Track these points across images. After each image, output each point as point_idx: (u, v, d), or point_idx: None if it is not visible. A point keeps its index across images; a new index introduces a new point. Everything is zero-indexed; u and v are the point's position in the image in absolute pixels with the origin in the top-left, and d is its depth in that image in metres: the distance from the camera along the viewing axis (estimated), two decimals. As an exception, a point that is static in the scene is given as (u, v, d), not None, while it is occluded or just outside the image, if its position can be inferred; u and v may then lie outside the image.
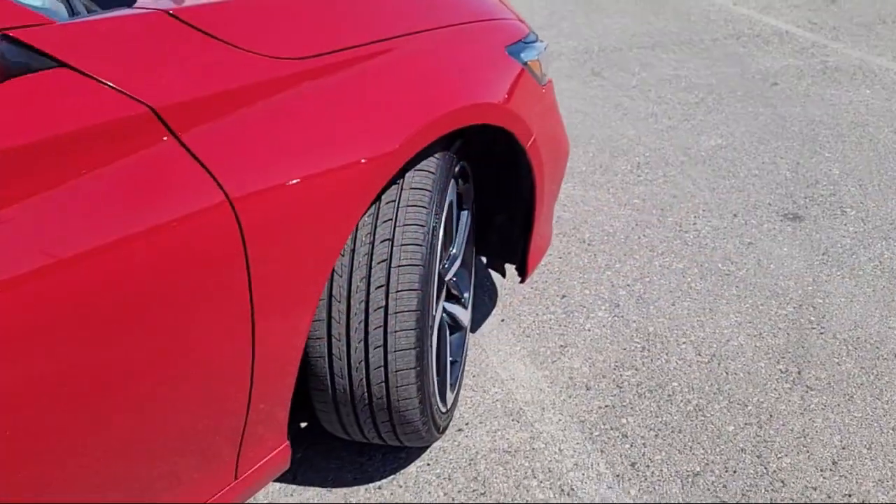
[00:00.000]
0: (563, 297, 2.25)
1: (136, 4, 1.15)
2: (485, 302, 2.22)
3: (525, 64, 1.70)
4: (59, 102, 0.94)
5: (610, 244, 2.50)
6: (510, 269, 2.02)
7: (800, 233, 2.56)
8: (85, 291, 0.95)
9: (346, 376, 1.42)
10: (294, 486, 1.63)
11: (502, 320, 2.15)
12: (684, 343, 2.05)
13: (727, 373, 1.95)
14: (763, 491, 1.62)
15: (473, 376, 1.94)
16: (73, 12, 1.17)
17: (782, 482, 1.64)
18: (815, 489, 1.63)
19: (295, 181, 1.16)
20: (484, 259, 2.19)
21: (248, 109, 1.13)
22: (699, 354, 2.01)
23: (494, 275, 2.30)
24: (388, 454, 1.71)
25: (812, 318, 2.15)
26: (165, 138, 1.03)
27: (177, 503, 1.20)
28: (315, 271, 1.25)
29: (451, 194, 1.54)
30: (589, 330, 2.11)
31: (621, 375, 1.95)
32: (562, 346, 2.05)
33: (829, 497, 1.60)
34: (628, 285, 2.29)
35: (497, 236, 1.98)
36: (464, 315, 1.80)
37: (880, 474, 1.66)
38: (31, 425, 0.93)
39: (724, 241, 2.52)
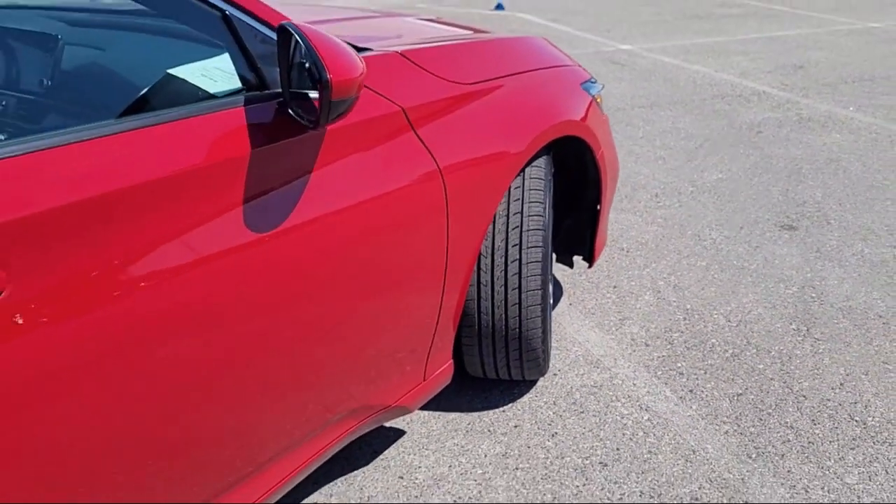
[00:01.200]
0: (615, 287, 2.82)
1: (375, 48, 1.74)
2: (553, 293, 2.78)
3: (593, 96, 2.32)
4: (365, 102, 1.51)
5: (644, 251, 3.09)
6: (577, 261, 2.59)
7: (795, 238, 3.17)
8: (363, 226, 1.50)
9: (490, 313, 1.96)
10: (439, 412, 2.15)
11: (570, 304, 2.71)
12: (715, 314, 2.62)
13: (752, 332, 2.51)
14: (790, 403, 2.16)
15: (557, 341, 2.48)
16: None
17: (804, 397, 2.19)
18: (829, 400, 2.18)
19: (472, 160, 1.75)
20: (553, 255, 2.77)
21: (447, 113, 1.72)
22: (728, 321, 2.58)
23: (557, 274, 2.86)
24: (504, 390, 2.24)
25: (813, 295, 2.73)
26: (408, 129, 1.61)
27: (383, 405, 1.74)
28: (480, 222, 1.82)
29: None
30: (639, 308, 2.67)
31: (671, 336, 2.50)
32: (620, 319, 2.61)
33: (840, 405, 2.15)
34: (664, 278, 2.87)
35: (564, 235, 2.55)
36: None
37: (876, 389, 2.21)
38: (297, 331, 1.45)
39: (735, 245, 3.11)
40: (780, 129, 4.59)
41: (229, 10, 1.36)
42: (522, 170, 1.98)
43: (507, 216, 1.95)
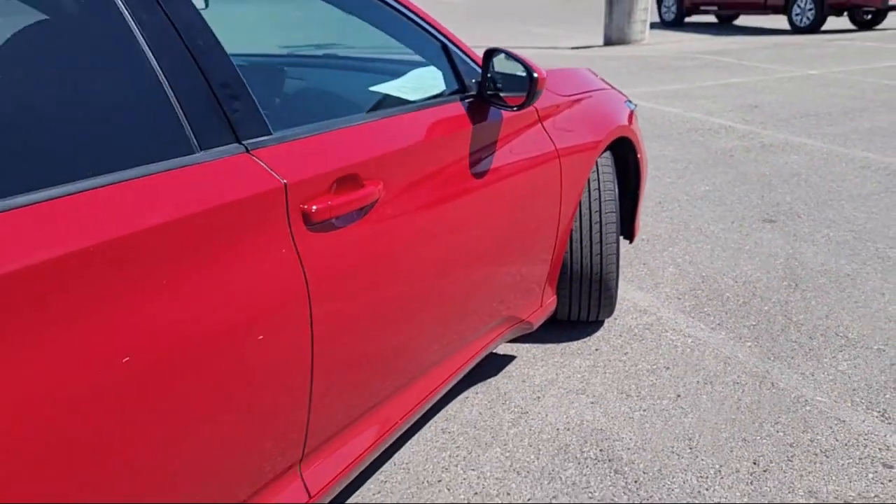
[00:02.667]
0: (644, 264, 3.60)
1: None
2: (597, 269, 3.54)
3: (631, 110, 3.12)
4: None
5: (661, 240, 3.88)
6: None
7: (776, 228, 4.00)
8: (522, 178, 2.25)
9: (579, 262, 2.71)
10: (538, 344, 2.88)
11: (613, 276, 3.47)
12: (726, 278, 3.41)
13: (755, 288, 3.30)
14: (792, 328, 2.94)
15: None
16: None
17: (801, 324, 2.97)
18: (819, 325, 2.96)
19: (573, 146, 2.52)
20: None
21: (556, 114, 2.50)
22: (735, 282, 3.37)
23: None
24: (581, 330, 2.98)
25: (796, 263, 3.55)
26: (538, 122, 2.38)
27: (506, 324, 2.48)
28: (577, 190, 2.58)
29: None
30: (666, 276, 3.45)
31: (695, 293, 3.28)
32: (654, 284, 3.38)
33: (828, 328, 2.94)
34: (681, 257, 3.66)
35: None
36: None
37: (851, 318, 3.01)
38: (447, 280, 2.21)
39: (730, 234, 3.93)
40: (748, 153, 5.50)
41: (445, 41, 2.12)
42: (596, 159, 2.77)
43: (589, 191, 2.72)
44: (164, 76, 1.35)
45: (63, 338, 1.10)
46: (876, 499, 2.04)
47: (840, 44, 12.11)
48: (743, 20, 16.74)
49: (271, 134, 1.51)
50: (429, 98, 2.10)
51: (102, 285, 1.16)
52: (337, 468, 1.73)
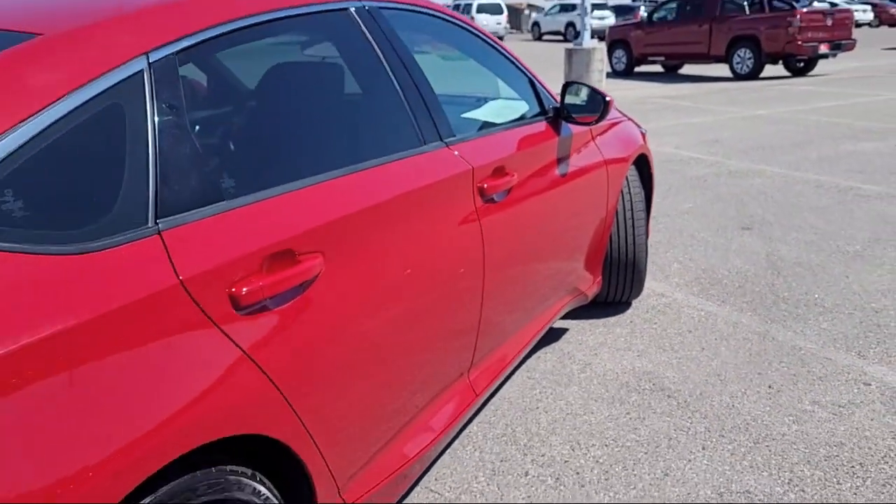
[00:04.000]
0: (653, 262, 4.35)
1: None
2: (615, 267, 4.28)
3: (644, 133, 3.90)
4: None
5: (662, 245, 4.65)
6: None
7: (754, 233, 4.82)
8: (586, 179, 2.98)
9: (616, 248, 3.44)
10: (582, 320, 3.58)
11: (630, 271, 4.22)
12: (721, 269, 4.18)
13: (746, 275, 4.07)
14: (780, 301, 3.70)
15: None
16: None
17: (788, 297, 3.74)
18: (801, 299, 3.73)
19: (613, 158, 3.27)
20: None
21: (601, 134, 3.25)
22: (729, 272, 4.14)
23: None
24: (613, 310, 3.69)
25: (775, 257, 4.34)
26: (592, 138, 3.13)
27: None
28: (616, 193, 3.32)
29: (635, 183, 3.67)
30: (673, 270, 4.21)
31: (699, 280, 4.04)
32: (665, 276, 4.13)
33: (810, 300, 3.71)
34: (681, 255, 4.43)
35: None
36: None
37: (826, 293, 3.79)
38: None
39: (717, 238, 4.72)
40: (718, 178, 6.36)
41: (531, 76, 2.87)
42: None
43: (621, 193, 3.46)
44: (402, 94, 2.06)
45: (387, 254, 1.78)
46: (855, 413, 2.77)
47: (780, 88, 13.34)
48: (686, 69, 18.02)
49: (454, 136, 2.21)
50: (519, 119, 2.82)
51: (398, 225, 1.84)
52: (489, 377, 2.40)
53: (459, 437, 2.62)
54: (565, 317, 3.48)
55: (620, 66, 17.82)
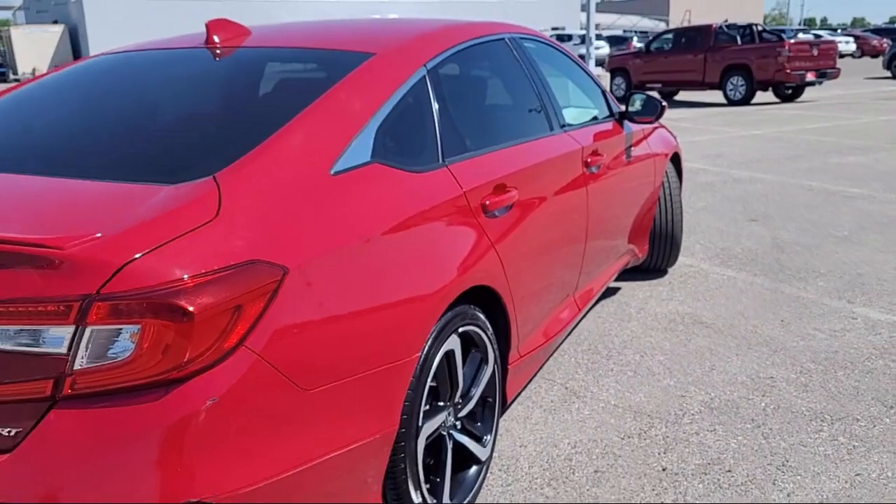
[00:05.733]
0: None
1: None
2: (649, 248, 5.27)
3: (675, 136, 4.89)
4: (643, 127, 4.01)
5: (685, 233, 5.61)
6: (666, 224, 5.12)
7: (759, 224, 5.82)
8: (643, 167, 3.97)
9: (659, 223, 4.42)
10: (630, 282, 4.55)
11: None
12: (736, 248, 5.16)
13: (756, 252, 5.06)
14: (786, 270, 4.69)
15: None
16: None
17: (793, 267, 4.73)
18: (804, 268, 4.72)
19: (658, 153, 4.26)
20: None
21: (650, 134, 4.24)
22: (742, 250, 5.12)
23: (647, 240, 5.37)
24: (653, 277, 4.67)
25: (778, 240, 5.33)
26: (646, 138, 4.12)
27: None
28: (660, 180, 4.31)
29: (670, 175, 4.66)
30: (696, 250, 5.19)
31: (718, 255, 5.02)
32: (691, 253, 5.11)
33: (811, 269, 4.70)
34: (703, 240, 5.42)
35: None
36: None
37: (821, 263, 4.78)
38: None
39: (730, 227, 5.72)
40: (724, 184, 7.39)
41: (602, 88, 3.86)
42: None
43: (661, 186, 4.45)
44: (539, 95, 3.04)
45: (545, 194, 2.76)
46: (846, 334, 3.73)
47: (771, 112, 14.47)
48: (682, 95, 19.19)
49: (567, 126, 3.20)
50: (597, 119, 3.81)
51: (550, 176, 2.83)
52: (583, 301, 3.36)
53: (558, 351, 3.57)
54: (617, 279, 4.44)
55: (620, 93, 18.95)
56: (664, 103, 3.82)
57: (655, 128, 4.41)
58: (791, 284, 4.43)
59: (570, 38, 31.53)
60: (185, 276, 1.48)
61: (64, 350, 1.45)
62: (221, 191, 1.66)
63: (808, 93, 17.40)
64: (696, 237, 5.51)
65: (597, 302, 4.15)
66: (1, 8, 75.93)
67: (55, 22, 45.34)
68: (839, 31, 57.98)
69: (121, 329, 1.46)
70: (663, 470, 2.59)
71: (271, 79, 2.40)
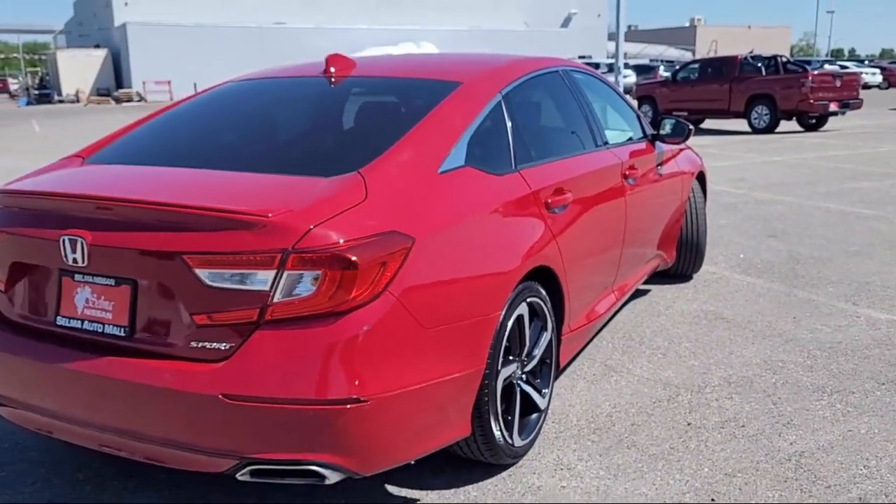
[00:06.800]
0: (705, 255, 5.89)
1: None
2: (676, 258, 5.83)
3: (700, 157, 5.47)
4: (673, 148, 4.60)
5: (708, 246, 6.18)
6: (692, 236, 5.69)
7: (778, 239, 6.36)
8: (673, 183, 4.56)
9: (686, 233, 4.99)
10: (658, 286, 5.12)
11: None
12: (756, 259, 5.71)
13: (774, 263, 5.60)
14: (799, 277, 5.23)
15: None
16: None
17: (804, 276, 5.27)
18: (816, 274, 5.26)
19: (685, 171, 4.85)
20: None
21: (678, 154, 4.82)
22: (762, 260, 5.67)
23: (674, 251, 5.94)
24: (679, 282, 5.23)
25: (795, 253, 5.87)
26: (675, 157, 4.71)
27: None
28: (686, 193, 4.88)
29: (696, 191, 5.24)
30: (720, 259, 5.74)
31: (740, 266, 5.57)
32: (715, 262, 5.67)
33: (820, 271, 5.24)
34: (725, 251, 5.97)
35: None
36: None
37: (833, 272, 5.32)
38: None
39: (750, 242, 6.26)
40: (746, 204, 7.93)
41: (636, 112, 4.46)
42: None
43: (687, 199, 5.02)
44: (586, 117, 3.65)
45: (594, 199, 3.36)
46: (850, 329, 4.27)
47: (793, 140, 14.98)
48: (707, 123, 19.73)
49: (609, 144, 3.80)
50: (630, 139, 4.40)
51: (598, 184, 3.43)
52: (620, 293, 3.94)
53: (597, 337, 4.14)
54: (647, 282, 5.01)
55: (647, 120, 19.54)
56: (691, 127, 4.41)
57: (683, 149, 4.99)
58: (804, 289, 4.97)
59: (597, 66, 32.20)
60: (351, 239, 2.09)
61: (267, 288, 2.06)
62: (366, 182, 2.28)
63: (832, 122, 17.88)
64: (718, 249, 6.07)
65: (629, 300, 4.72)
66: (43, 31, 78.44)
67: (97, 46, 46.96)
68: (866, 62, 58.29)
69: (304, 274, 2.07)
70: (688, 424, 3.15)
71: (384, 100, 3.04)
